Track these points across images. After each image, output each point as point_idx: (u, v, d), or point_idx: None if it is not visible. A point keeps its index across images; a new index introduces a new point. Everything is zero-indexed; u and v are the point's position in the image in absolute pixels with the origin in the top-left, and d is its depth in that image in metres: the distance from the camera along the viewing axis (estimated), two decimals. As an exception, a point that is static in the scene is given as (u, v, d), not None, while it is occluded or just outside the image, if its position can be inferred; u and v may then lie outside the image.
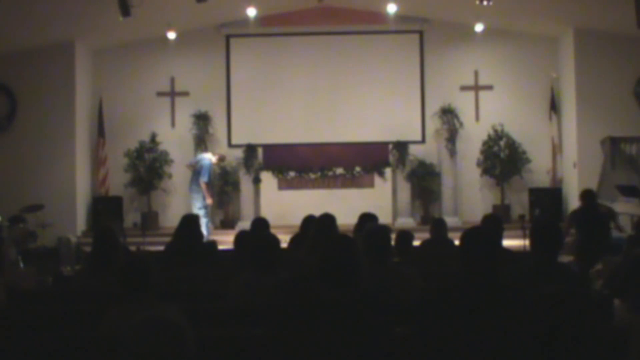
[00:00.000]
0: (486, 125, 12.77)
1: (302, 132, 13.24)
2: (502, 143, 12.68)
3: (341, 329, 3.01)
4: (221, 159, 12.00)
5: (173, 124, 13.24)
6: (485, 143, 12.74)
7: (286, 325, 3.13)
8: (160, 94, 13.25)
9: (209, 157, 11.58)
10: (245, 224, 10.49)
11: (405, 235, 5.79)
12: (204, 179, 11.22)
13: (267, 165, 13.01)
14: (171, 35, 12.11)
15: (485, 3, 10.04)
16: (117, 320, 3.26)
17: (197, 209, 11.04)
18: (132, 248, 8.12)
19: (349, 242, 3.30)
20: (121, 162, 12.74)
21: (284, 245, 4.35)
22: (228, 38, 13.34)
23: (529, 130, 12.80)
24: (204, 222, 10.35)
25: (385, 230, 4.11)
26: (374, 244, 3.96)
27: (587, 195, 8.01)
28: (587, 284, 3.81)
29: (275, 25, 13.25)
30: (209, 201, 11.31)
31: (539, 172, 12.83)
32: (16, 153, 11.91)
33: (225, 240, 9.46)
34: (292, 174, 12.86)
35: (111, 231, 5.08)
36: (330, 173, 12.85)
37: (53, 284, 6.93)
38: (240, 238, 5.63)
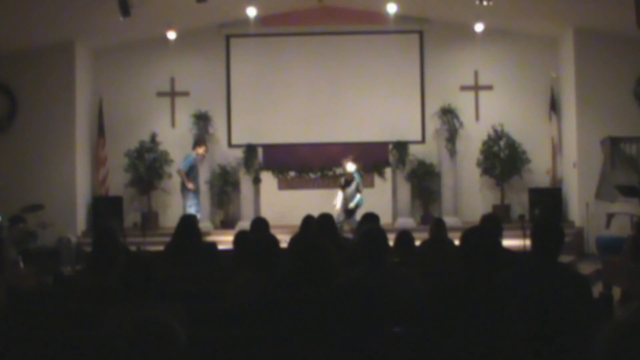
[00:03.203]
0: (486, 125, 12.76)
1: (302, 132, 13.23)
2: (502, 143, 12.67)
3: (316, 323, 3.15)
4: (202, 148, 12.08)
5: (173, 124, 13.24)
6: (485, 143, 12.73)
7: (276, 324, 3.24)
8: (160, 94, 13.25)
9: (193, 153, 11.90)
10: (245, 224, 10.48)
11: (406, 236, 5.78)
12: (181, 167, 11.57)
13: (267, 165, 13.00)
14: (171, 35, 12.10)
15: (485, 3, 10.03)
16: (118, 320, 3.26)
17: (189, 207, 11.25)
18: (132, 248, 8.13)
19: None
20: (121, 162, 12.73)
21: (284, 245, 4.35)
22: (228, 38, 13.33)
23: (529, 130, 12.80)
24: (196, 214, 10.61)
25: (381, 230, 4.11)
26: (370, 244, 3.96)
27: None
28: (587, 283, 3.80)
29: (275, 25, 13.24)
30: (190, 186, 11.42)
31: (539, 172, 12.81)
32: (16, 153, 11.89)
33: (225, 240, 9.46)
34: (292, 174, 12.86)
35: (111, 231, 5.08)
36: (330, 173, 12.83)
37: (53, 284, 6.92)
38: (239, 238, 5.63)
